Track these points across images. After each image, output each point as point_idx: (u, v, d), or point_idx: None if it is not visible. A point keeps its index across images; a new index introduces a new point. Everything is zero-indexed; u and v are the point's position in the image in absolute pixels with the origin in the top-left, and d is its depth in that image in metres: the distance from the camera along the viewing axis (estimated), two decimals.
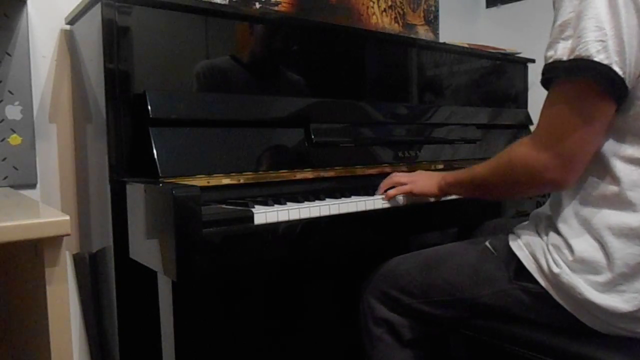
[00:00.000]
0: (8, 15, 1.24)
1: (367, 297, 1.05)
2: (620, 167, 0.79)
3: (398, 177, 1.14)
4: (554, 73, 0.78)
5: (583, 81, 0.75)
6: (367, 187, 1.19)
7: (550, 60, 0.78)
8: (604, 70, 0.72)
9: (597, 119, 0.76)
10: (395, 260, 1.07)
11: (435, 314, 0.98)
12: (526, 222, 0.95)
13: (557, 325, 0.86)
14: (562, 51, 0.76)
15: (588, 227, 0.81)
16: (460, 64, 1.75)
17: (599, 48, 0.72)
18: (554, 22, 0.79)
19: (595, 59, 0.72)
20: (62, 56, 1.34)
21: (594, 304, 0.78)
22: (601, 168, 0.81)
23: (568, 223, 0.83)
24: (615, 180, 0.79)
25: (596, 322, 0.81)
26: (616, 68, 0.72)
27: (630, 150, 0.78)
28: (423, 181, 1.10)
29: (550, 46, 0.79)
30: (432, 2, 2.21)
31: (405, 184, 1.11)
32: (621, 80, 0.73)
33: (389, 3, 2.04)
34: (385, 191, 1.12)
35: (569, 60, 0.75)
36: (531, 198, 1.45)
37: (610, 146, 0.80)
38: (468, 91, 1.77)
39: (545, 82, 0.82)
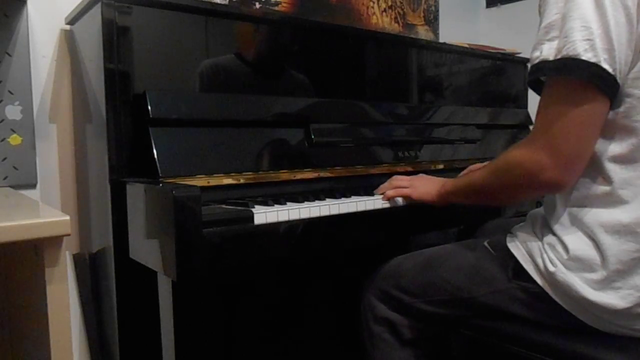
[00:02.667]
0: (8, 15, 1.24)
1: (368, 296, 1.05)
2: (611, 167, 0.79)
3: (399, 180, 1.13)
4: (541, 73, 0.78)
5: (573, 80, 0.75)
6: (367, 187, 1.19)
7: (537, 61, 0.78)
8: (593, 68, 0.73)
9: (593, 116, 0.76)
10: (396, 260, 1.07)
11: (436, 313, 0.98)
12: (523, 222, 0.95)
13: (556, 323, 0.86)
14: (548, 52, 0.76)
15: (580, 225, 0.81)
16: (460, 64, 1.75)
17: (586, 47, 0.72)
18: (540, 24, 0.79)
19: (583, 58, 0.73)
20: (62, 56, 1.34)
21: (590, 301, 0.79)
22: (592, 168, 0.81)
23: (561, 222, 0.84)
24: (607, 179, 0.79)
25: (593, 320, 0.81)
26: (605, 65, 0.72)
27: (618, 148, 0.78)
28: (424, 187, 1.08)
29: (535, 48, 0.79)
30: (432, 2, 2.21)
31: (406, 187, 1.10)
32: (612, 77, 0.73)
33: (389, 3, 2.04)
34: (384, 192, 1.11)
35: (556, 60, 0.75)
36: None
37: (599, 145, 0.80)
38: (468, 91, 1.77)
39: (533, 83, 0.82)
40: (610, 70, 0.73)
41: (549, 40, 0.77)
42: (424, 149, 1.47)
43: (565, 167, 0.77)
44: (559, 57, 0.75)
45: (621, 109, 0.77)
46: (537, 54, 0.78)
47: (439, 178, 1.09)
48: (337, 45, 1.40)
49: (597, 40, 0.72)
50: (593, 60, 0.72)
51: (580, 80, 0.74)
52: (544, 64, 0.77)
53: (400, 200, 1.11)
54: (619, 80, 0.74)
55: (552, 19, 0.76)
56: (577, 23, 0.73)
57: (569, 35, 0.74)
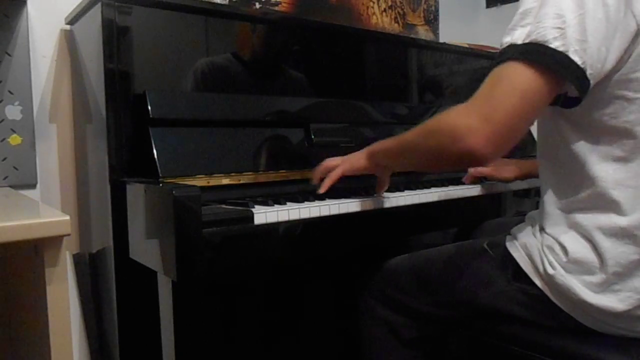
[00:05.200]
0: (8, 15, 1.24)
1: (367, 297, 1.05)
2: (600, 167, 0.78)
3: (328, 161, 1.07)
4: (506, 57, 0.75)
5: (535, 65, 0.71)
6: (368, 187, 1.19)
7: (505, 46, 0.76)
8: (559, 57, 0.70)
9: (539, 98, 0.73)
10: (395, 260, 1.07)
11: (434, 314, 0.98)
12: (523, 223, 0.94)
13: (555, 325, 0.85)
14: (519, 36, 0.74)
15: (578, 228, 0.80)
16: (460, 64, 1.75)
17: (556, 35, 0.70)
18: (517, 10, 0.77)
19: (551, 45, 0.70)
20: (62, 56, 1.34)
21: (589, 304, 0.78)
22: (579, 169, 0.80)
23: (558, 225, 0.83)
24: (596, 180, 0.78)
25: (593, 322, 0.81)
26: (575, 57, 0.70)
27: (609, 148, 0.77)
28: (353, 157, 1.03)
29: (507, 33, 0.76)
30: (432, 2, 2.21)
31: (337, 166, 1.05)
32: (581, 70, 0.71)
33: (389, 3, 2.04)
34: (321, 182, 1.06)
35: (524, 44, 0.73)
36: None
37: (586, 146, 0.79)
38: (468, 91, 1.76)
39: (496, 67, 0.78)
40: (579, 62, 0.70)
41: (522, 26, 0.74)
42: None
43: (492, 137, 0.72)
44: (526, 41, 0.72)
45: (609, 110, 0.76)
46: (507, 39, 0.76)
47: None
48: (337, 45, 1.40)
49: (570, 30, 0.70)
50: (561, 49, 0.70)
51: (545, 69, 0.71)
52: (510, 48, 0.74)
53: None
54: (588, 76, 0.71)
55: (530, 6, 0.74)
56: (551, 10, 0.71)
57: (541, 21, 0.72)
